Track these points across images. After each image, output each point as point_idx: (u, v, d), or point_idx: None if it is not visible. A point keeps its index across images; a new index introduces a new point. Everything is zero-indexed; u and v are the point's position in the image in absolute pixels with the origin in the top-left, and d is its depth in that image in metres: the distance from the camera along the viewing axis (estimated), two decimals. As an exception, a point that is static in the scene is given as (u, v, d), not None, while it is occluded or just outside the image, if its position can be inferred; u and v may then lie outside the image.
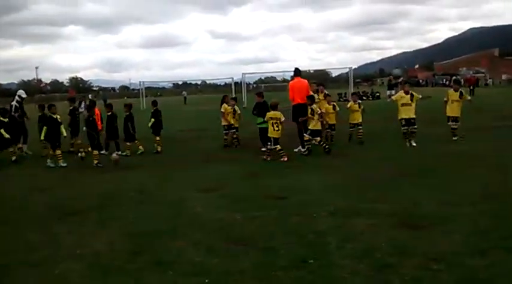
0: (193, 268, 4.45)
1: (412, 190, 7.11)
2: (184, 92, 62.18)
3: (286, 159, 10.36)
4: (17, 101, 13.65)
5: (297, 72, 12.14)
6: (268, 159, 10.52)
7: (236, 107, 13.34)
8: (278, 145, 10.60)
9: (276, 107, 10.78)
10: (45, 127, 11.27)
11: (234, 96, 18.46)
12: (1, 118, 11.88)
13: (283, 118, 10.68)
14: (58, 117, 11.38)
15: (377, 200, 6.60)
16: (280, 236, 5.22)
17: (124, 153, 12.09)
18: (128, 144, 12.28)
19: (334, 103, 12.90)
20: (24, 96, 14.23)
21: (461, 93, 12.43)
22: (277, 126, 10.60)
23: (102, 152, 11.60)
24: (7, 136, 11.60)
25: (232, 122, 13.06)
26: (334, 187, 7.61)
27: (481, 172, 8.25)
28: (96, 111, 12.59)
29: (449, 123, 12.34)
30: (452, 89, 12.71)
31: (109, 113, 12.85)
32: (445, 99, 12.48)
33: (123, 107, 12.76)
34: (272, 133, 10.65)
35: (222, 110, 13.17)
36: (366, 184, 7.72)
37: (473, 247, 4.64)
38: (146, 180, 8.90)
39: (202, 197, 7.31)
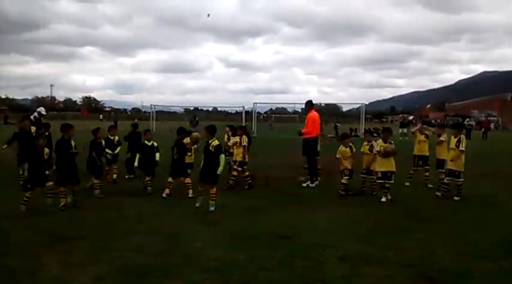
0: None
1: (426, 238, 6.62)
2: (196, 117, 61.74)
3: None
4: (34, 117, 12.68)
5: (311, 104, 11.69)
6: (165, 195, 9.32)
7: (243, 137, 10.84)
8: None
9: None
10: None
11: (243, 124, 17.92)
12: (145, 143, 10.55)
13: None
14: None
15: (390, 246, 6.12)
16: (285, 284, 4.75)
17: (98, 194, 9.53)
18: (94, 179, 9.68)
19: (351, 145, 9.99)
20: (44, 113, 13.33)
21: (458, 140, 9.53)
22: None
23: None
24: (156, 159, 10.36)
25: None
26: (342, 228, 7.15)
27: (499, 221, 7.77)
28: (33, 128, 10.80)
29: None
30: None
31: (46, 133, 10.91)
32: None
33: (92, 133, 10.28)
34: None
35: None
36: (376, 227, 7.25)
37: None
38: (144, 208, 8.43)
39: (201, 231, 6.84)
